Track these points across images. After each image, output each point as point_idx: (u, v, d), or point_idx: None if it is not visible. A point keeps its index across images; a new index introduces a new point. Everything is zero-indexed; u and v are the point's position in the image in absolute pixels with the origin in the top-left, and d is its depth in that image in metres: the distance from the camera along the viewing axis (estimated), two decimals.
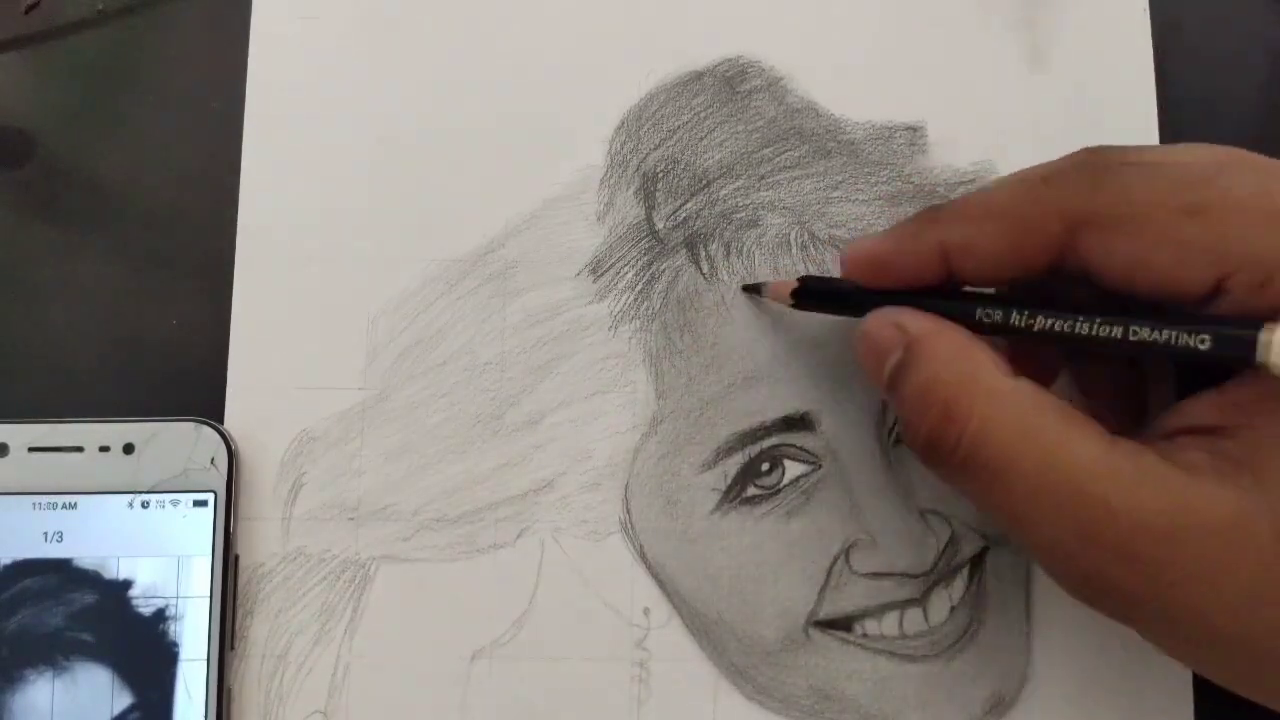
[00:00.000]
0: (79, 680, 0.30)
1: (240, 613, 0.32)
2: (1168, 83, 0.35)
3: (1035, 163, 0.34)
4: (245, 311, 0.33)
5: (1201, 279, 0.22)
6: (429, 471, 0.33)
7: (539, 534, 0.33)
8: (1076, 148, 0.35)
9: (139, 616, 0.31)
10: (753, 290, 0.33)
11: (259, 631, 0.32)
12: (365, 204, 0.34)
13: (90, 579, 0.31)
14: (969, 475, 0.23)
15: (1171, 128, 0.35)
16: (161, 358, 0.33)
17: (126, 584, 0.31)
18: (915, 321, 0.25)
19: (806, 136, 0.35)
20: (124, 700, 0.30)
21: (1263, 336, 0.22)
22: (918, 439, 0.24)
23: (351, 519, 0.33)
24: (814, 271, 0.34)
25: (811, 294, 0.31)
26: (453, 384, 0.33)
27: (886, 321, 0.25)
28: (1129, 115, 0.35)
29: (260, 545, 0.32)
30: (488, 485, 0.33)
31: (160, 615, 0.31)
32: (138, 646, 0.31)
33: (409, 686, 0.32)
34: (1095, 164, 0.24)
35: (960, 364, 0.24)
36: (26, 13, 0.35)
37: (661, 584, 0.33)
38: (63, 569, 0.31)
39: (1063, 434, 0.22)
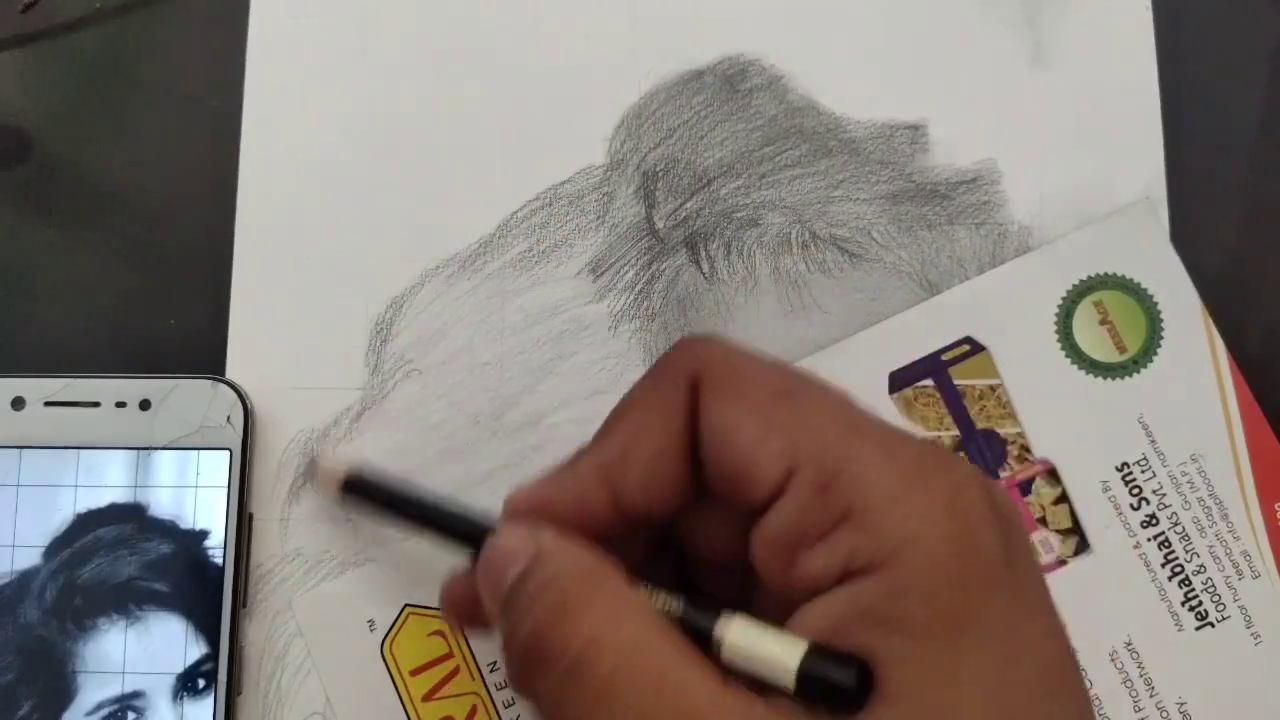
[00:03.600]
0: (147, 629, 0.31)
1: (253, 577, 0.32)
2: (1170, 80, 0.35)
3: (1038, 162, 0.35)
4: (244, 311, 0.33)
5: (773, 465, 0.22)
6: (428, 472, 0.33)
7: None
8: (1079, 146, 0.35)
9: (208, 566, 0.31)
10: (309, 473, 0.32)
11: (258, 633, 0.32)
12: (364, 203, 0.34)
13: (164, 529, 0.31)
14: (573, 684, 0.20)
15: (1174, 126, 0.35)
16: (159, 357, 0.33)
17: (202, 534, 0.31)
18: (550, 537, 0.22)
19: (807, 135, 0.35)
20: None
21: (717, 629, 0.21)
22: (518, 638, 0.21)
23: (350, 520, 0.33)
24: (815, 271, 0.34)
25: (360, 488, 0.29)
26: (452, 384, 0.33)
27: (521, 534, 0.23)
28: (1131, 113, 0.35)
29: (259, 546, 0.32)
30: (487, 486, 0.33)
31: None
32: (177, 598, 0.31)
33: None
34: (719, 341, 0.24)
35: (586, 566, 0.22)
36: (24, 11, 0.35)
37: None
38: (133, 519, 0.31)
39: (680, 663, 0.20)
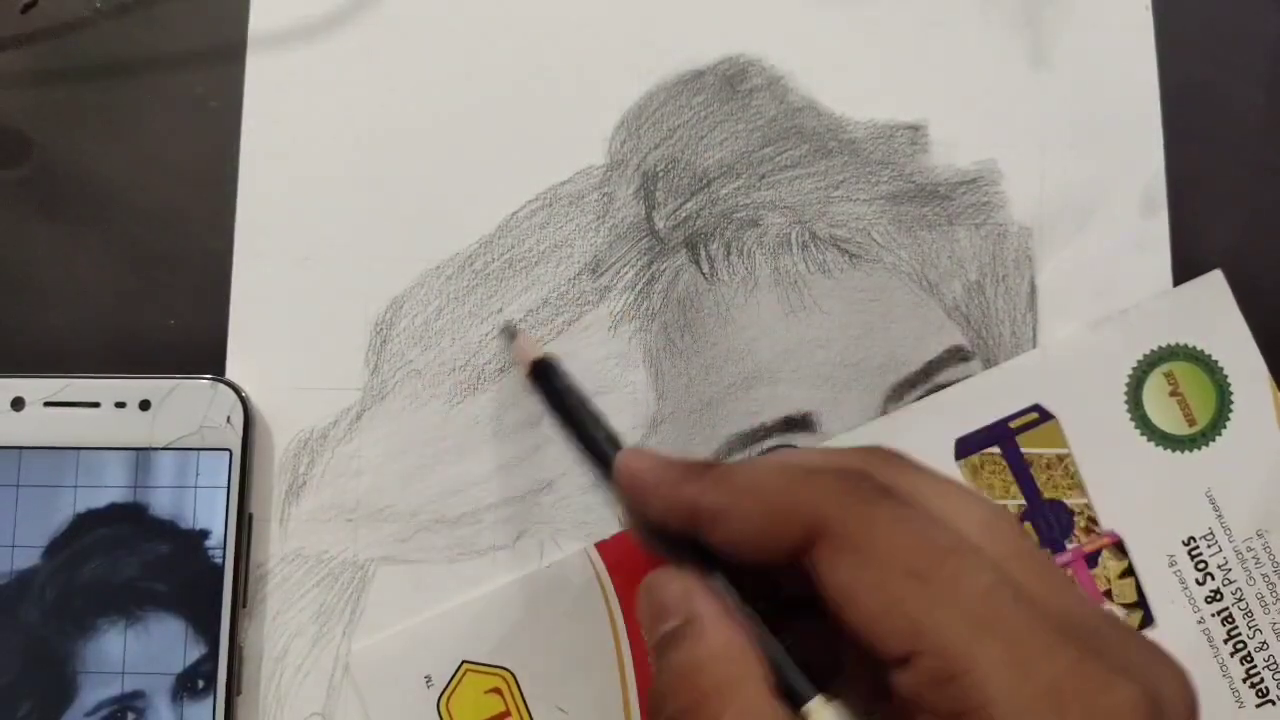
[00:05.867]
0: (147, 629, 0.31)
1: (253, 577, 0.32)
2: (1170, 80, 0.35)
3: (1037, 162, 0.35)
4: (244, 311, 0.33)
5: (896, 644, 0.21)
6: (428, 472, 0.33)
7: (538, 536, 0.33)
8: (1078, 146, 0.35)
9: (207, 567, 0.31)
10: (507, 334, 0.33)
11: (257, 633, 0.32)
12: (364, 203, 0.34)
13: (162, 529, 0.31)
14: None
15: (1173, 126, 0.35)
16: (159, 357, 0.33)
17: (202, 534, 0.31)
18: (705, 601, 0.24)
19: (807, 135, 0.35)
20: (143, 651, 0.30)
21: (806, 708, 0.22)
22: (660, 713, 0.23)
23: (350, 520, 0.33)
24: (815, 271, 0.34)
25: (544, 374, 0.31)
26: (452, 384, 0.33)
27: (678, 584, 0.24)
28: (1131, 114, 0.35)
29: (258, 546, 0.32)
30: (487, 486, 0.33)
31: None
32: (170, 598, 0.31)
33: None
34: (859, 477, 0.23)
35: (732, 666, 0.23)
36: (23, 12, 0.35)
37: None
38: (133, 519, 0.31)
39: None
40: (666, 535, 0.25)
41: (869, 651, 0.22)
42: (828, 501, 0.22)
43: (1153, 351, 0.34)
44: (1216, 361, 0.33)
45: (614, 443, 0.28)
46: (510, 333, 0.33)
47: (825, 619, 0.23)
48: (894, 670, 0.21)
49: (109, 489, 0.31)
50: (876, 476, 0.23)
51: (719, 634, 0.23)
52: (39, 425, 0.31)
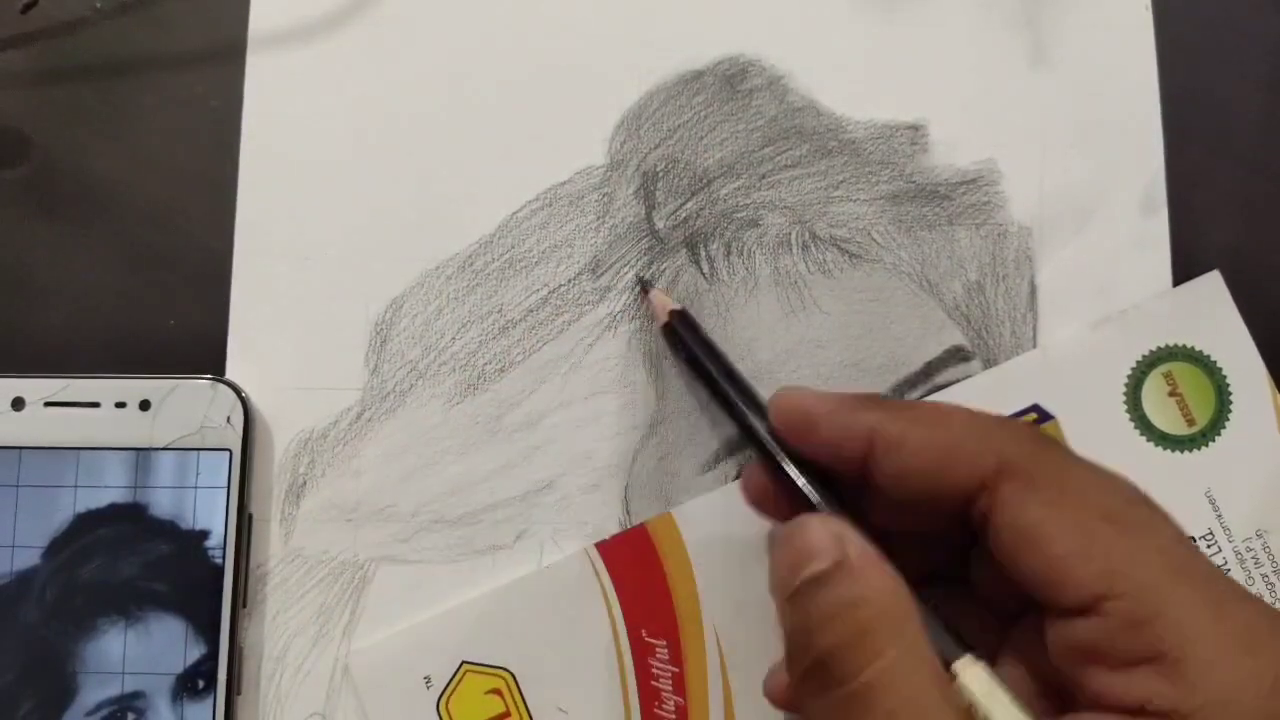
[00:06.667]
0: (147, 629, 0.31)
1: (253, 577, 0.32)
2: (1170, 80, 0.35)
3: (1037, 162, 0.35)
4: (244, 311, 0.33)
5: (1086, 587, 0.21)
6: (428, 472, 0.33)
7: (538, 536, 0.33)
8: (1079, 146, 0.35)
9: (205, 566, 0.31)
10: (645, 286, 0.33)
11: (257, 633, 0.32)
12: (364, 203, 0.34)
13: (162, 529, 0.31)
14: (850, 710, 0.21)
15: (1174, 126, 0.35)
16: (159, 357, 0.33)
17: (202, 534, 0.31)
18: (860, 546, 0.23)
19: (807, 135, 0.35)
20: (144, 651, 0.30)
21: (956, 665, 0.22)
22: (809, 651, 0.22)
23: (350, 520, 0.33)
24: (815, 272, 0.34)
25: (680, 331, 0.31)
26: (452, 384, 0.33)
27: (828, 529, 0.23)
28: (1131, 113, 0.35)
29: (259, 546, 0.32)
30: (487, 486, 0.33)
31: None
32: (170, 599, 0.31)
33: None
34: (1040, 432, 0.24)
35: (895, 604, 0.22)
36: (24, 12, 0.35)
37: None
38: (133, 519, 0.31)
39: None
40: (815, 476, 0.25)
41: (1043, 598, 0.22)
42: (1017, 443, 0.23)
43: (1152, 352, 0.34)
44: (1215, 362, 0.33)
45: (752, 392, 0.29)
46: (645, 286, 0.33)
47: (960, 581, 0.24)
48: (1068, 620, 0.21)
49: (109, 489, 0.31)
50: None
51: (876, 576, 0.22)
52: (39, 425, 0.31)
